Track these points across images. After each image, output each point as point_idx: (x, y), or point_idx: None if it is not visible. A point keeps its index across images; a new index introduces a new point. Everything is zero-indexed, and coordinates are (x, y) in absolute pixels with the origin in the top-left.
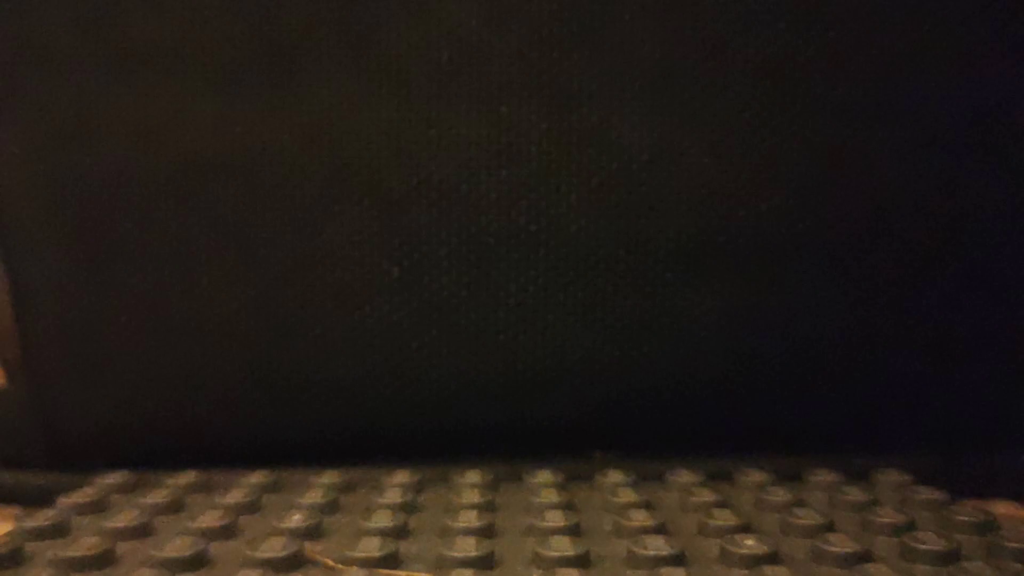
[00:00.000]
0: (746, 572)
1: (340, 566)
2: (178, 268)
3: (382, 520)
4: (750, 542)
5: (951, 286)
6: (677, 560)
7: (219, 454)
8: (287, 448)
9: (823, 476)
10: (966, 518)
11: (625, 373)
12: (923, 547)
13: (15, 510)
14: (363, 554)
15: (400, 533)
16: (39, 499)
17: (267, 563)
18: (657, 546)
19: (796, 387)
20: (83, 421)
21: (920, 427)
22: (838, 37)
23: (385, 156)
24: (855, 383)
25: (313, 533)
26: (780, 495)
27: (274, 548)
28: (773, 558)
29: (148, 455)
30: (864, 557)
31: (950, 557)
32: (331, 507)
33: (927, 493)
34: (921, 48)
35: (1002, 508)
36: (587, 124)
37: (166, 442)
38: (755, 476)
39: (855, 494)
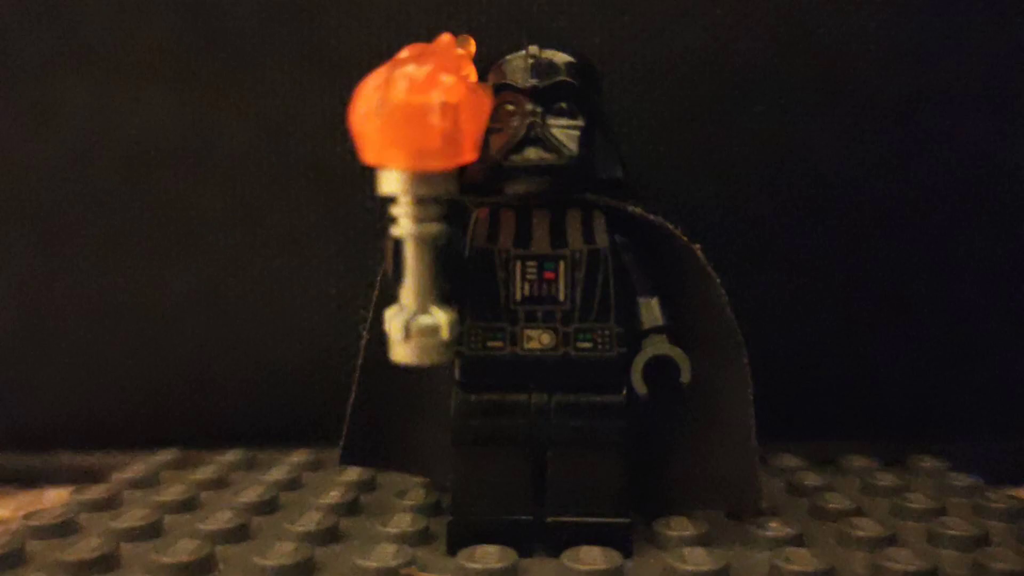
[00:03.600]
0: (769, 553)
1: None
2: (130, 254)
3: (416, 498)
4: (775, 524)
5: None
6: (702, 540)
7: (172, 435)
8: (235, 430)
9: (857, 461)
10: (998, 504)
11: None
12: (950, 532)
13: None
14: (397, 529)
15: (433, 511)
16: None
17: (305, 536)
18: (681, 525)
19: (830, 376)
20: (41, 404)
21: (955, 415)
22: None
23: (330, 144)
24: (889, 373)
25: (350, 509)
26: (812, 480)
27: (312, 522)
28: (797, 540)
29: (106, 437)
30: (890, 541)
31: (976, 542)
32: (367, 485)
33: (961, 479)
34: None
35: None
36: None
37: (124, 424)
38: (787, 461)
39: (888, 479)
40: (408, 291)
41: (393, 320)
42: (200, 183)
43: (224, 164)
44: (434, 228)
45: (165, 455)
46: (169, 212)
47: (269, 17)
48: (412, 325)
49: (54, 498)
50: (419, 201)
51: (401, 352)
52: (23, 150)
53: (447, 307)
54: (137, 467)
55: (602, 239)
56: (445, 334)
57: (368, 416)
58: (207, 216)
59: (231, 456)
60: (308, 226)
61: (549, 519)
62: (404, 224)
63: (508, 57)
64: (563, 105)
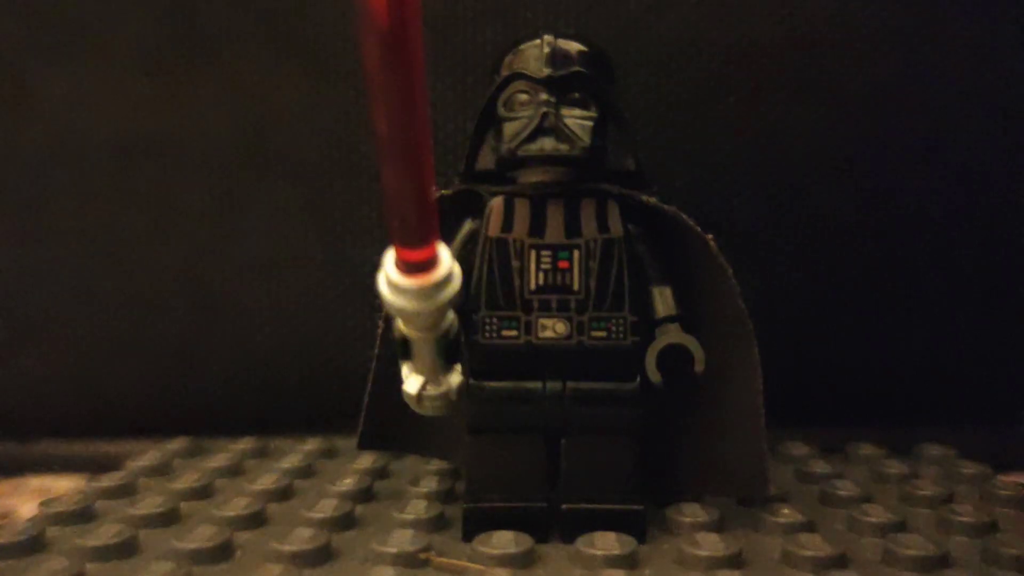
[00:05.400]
0: (781, 539)
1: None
2: (107, 243)
3: (430, 485)
4: (785, 511)
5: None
6: (715, 526)
7: (147, 421)
8: (209, 416)
9: (865, 449)
10: (1005, 492)
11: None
12: (959, 519)
13: None
14: (412, 515)
15: (447, 497)
16: None
17: (322, 522)
18: (694, 512)
19: (836, 364)
20: (19, 390)
21: (962, 401)
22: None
23: (308, 134)
24: (895, 361)
25: (365, 496)
26: (821, 467)
27: (328, 508)
28: (808, 526)
29: (83, 423)
30: (900, 527)
31: (985, 529)
32: (380, 472)
33: (969, 467)
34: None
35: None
36: None
37: (100, 410)
38: (796, 449)
39: (896, 467)
40: (418, 368)
41: (405, 386)
42: (177, 172)
43: (200, 153)
44: (441, 329)
45: (177, 443)
46: (146, 201)
47: (246, 8)
48: (423, 396)
49: (37, 486)
50: (426, 315)
51: (413, 407)
52: (2, 141)
53: (454, 370)
54: (150, 455)
55: (616, 229)
56: (454, 397)
57: (386, 401)
58: (184, 205)
59: (243, 444)
60: (286, 214)
61: (564, 506)
62: (411, 331)
63: (522, 46)
64: (577, 95)
